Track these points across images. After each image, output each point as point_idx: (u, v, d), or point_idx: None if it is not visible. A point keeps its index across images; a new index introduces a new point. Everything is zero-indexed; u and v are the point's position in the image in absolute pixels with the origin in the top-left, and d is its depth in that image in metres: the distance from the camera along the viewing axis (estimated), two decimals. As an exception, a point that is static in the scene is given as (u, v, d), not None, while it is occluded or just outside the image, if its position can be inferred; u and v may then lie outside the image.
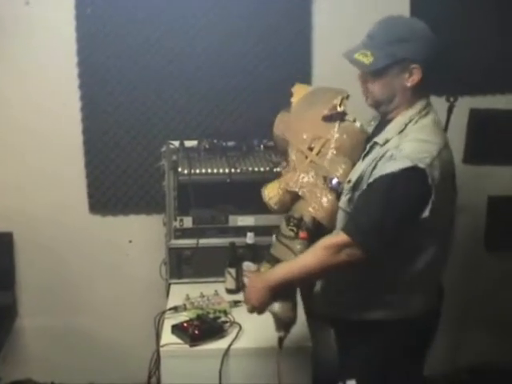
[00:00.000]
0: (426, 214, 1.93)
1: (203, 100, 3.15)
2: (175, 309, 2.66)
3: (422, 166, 1.90)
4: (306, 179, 2.19)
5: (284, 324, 2.20)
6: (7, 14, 3.04)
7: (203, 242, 2.92)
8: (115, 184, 3.22)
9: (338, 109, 2.23)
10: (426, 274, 2.08)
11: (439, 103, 2.93)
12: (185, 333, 2.47)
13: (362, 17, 3.08)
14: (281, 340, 2.24)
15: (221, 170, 2.88)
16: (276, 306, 2.15)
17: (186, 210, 2.92)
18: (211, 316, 2.59)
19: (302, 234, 2.14)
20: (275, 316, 2.19)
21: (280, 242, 2.22)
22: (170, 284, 2.95)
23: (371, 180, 1.97)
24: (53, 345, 3.40)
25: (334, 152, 2.17)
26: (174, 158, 2.92)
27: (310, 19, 3.13)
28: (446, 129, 2.84)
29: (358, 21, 3.06)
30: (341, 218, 2.10)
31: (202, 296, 2.76)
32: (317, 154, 2.19)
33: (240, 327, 2.52)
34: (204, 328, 2.48)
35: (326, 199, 2.13)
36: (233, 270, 2.83)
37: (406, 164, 1.90)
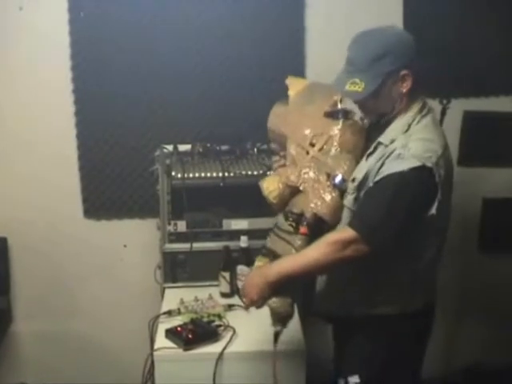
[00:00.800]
0: (433, 211, 1.97)
1: (197, 104, 3.15)
2: (169, 313, 2.66)
3: (429, 165, 1.94)
4: (308, 174, 2.19)
5: (281, 318, 2.20)
6: (0, 19, 3.04)
7: (197, 245, 2.92)
8: (109, 188, 3.21)
9: (339, 105, 2.23)
10: (427, 271, 2.12)
11: (433, 105, 2.92)
12: (178, 337, 2.47)
13: (355, 19, 3.12)
14: (277, 334, 2.24)
15: (214, 174, 2.89)
16: (275, 301, 2.15)
17: (180, 213, 2.92)
18: (205, 320, 2.60)
19: (303, 230, 2.14)
20: (273, 310, 2.17)
21: (278, 236, 2.21)
22: (164, 288, 2.95)
23: (378, 178, 1.99)
24: (47, 349, 3.39)
25: (338, 149, 2.17)
26: (168, 162, 2.93)
27: (303, 22, 3.13)
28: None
29: (351, 23, 3.08)
30: (346, 216, 2.10)
31: (197, 300, 2.76)
32: (319, 150, 2.19)
33: (234, 331, 2.52)
34: (198, 332, 2.48)
35: (329, 196, 2.12)
36: (227, 274, 2.83)
37: (415, 163, 1.93)
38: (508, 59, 3.21)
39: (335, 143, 2.18)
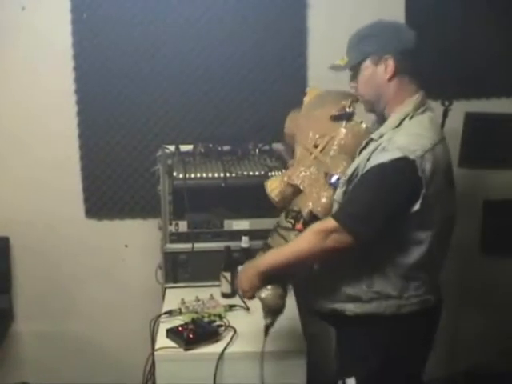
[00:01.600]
0: (417, 207, 1.95)
1: (198, 104, 3.16)
2: (170, 313, 2.67)
3: (412, 157, 1.93)
4: (307, 173, 2.24)
5: (272, 311, 2.23)
6: (3, 20, 3.06)
7: (198, 246, 2.92)
8: (111, 188, 3.22)
9: (347, 109, 2.27)
10: (419, 268, 2.09)
11: (434, 107, 2.93)
12: (179, 337, 2.47)
13: (357, 20, 3.09)
14: (267, 328, 2.27)
15: (216, 175, 2.89)
16: (265, 292, 2.19)
17: (182, 214, 2.92)
18: (206, 320, 2.59)
19: (298, 226, 2.19)
20: (263, 302, 2.21)
21: (278, 233, 2.27)
22: (165, 288, 2.95)
23: (364, 171, 2.02)
24: (48, 349, 3.40)
25: (337, 149, 2.22)
26: (169, 162, 2.93)
27: (305, 23, 3.14)
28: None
29: (353, 24, 3.08)
30: (335, 209, 2.12)
31: (198, 300, 2.76)
32: (321, 151, 2.24)
33: (235, 331, 2.52)
34: (199, 332, 2.48)
35: (324, 194, 2.18)
36: (228, 274, 2.83)
37: (396, 155, 1.93)
38: (510, 61, 3.21)
39: (335, 144, 2.23)
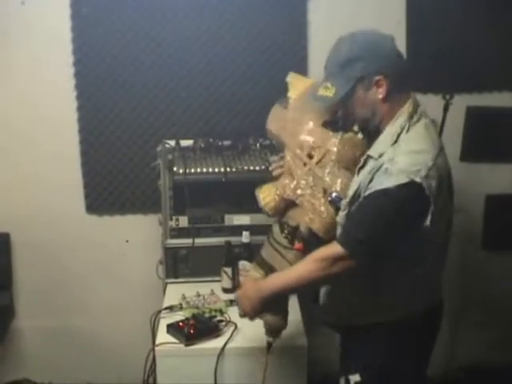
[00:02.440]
0: (427, 223, 1.91)
1: (199, 99, 3.15)
2: (171, 308, 2.67)
3: (418, 180, 1.87)
4: (304, 189, 2.14)
5: (274, 331, 2.24)
6: (3, 14, 3.04)
7: (199, 241, 2.92)
8: (111, 184, 3.22)
9: (340, 113, 2.16)
10: (428, 275, 2.08)
11: (435, 101, 2.94)
12: (180, 332, 2.47)
13: (358, 13, 3.12)
14: (270, 345, 2.27)
15: (216, 169, 2.89)
16: (267, 315, 2.19)
17: (182, 209, 2.92)
18: (207, 315, 2.60)
19: (298, 246, 2.14)
20: (266, 323, 2.22)
21: (272, 247, 2.22)
22: (166, 283, 2.95)
23: (367, 193, 1.95)
24: (50, 345, 3.40)
25: (335, 164, 2.11)
26: (170, 157, 2.93)
27: (305, 16, 3.13)
28: (442, 127, 2.83)
29: (354, 16, 3.10)
30: (339, 232, 2.06)
31: (198, 295, 2.76)
32: (317, 163, 2.13)
33: (235, 326, 2.52)
34: (199, 327, 2.48)
35: (324, 212, 2.09)
36: (229, 269, 2.83)
37: (402, 180, 1.87)
38: (511, 54, 3.19)
39: (333, 158, 2.11)
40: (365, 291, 2.08)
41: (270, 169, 2.33)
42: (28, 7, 3.05)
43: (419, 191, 1.88)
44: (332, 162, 2.11)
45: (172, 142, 2.97)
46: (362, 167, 2.04)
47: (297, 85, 2.33)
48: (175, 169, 2.88)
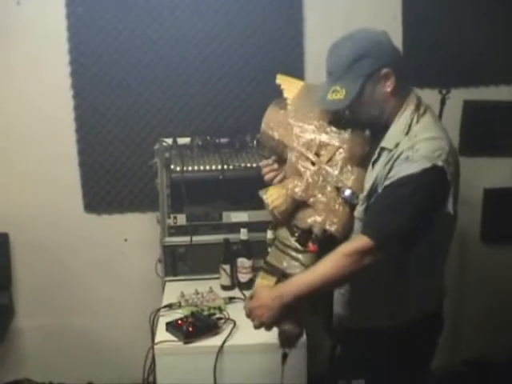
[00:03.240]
0: (449, 209, 1.91)
1: (196, 97, 3.14)
2: (170, 306, 2.67)
3: (440, 164, 1.87)
4: (315, 188, 2.08)
5: (292, 340, 2.11)
6: (-2, 14, 3.04)
7: (197, 239, 2.92)
8: (109, 183, 3.22)
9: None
10: (441, 272, 2.10)
11: (432, 95, 2.93)
12: (179, 330, 2.47)
13: (354, 9, 3.11)
14: (285, 356, 2.17)
15: (214, 167, 2.89)
16: (286, 323, 2.04)
17: (180, 207, 2.92)
18: (206, 313, 2.60)
19: (313, 248, 2.03)
20: (284, 333, 2.08)
21: (282, 252, 2.11)
22: (165, 281, 2.95)
23: (388, 182, 1.93)
24: (50, 344, 3.40)
25: (346, 161, 2.07)
26: (167, 155, 2.93)
27: (301, 12, 3.12)
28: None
29: (350, 13, 3.09)
30: (357, 227, 2.03)
31: (197, 293, 2.76)
32: (327, 162, 2.09)
33: (234, 324, 2.52)
34: (198, 325, 2.48)
35: (339, 211, 2.04)
36: (227, 267, 2.83)
37: (426, 164, 1.87)
38: (508, 48, 3.19)
39: (343, 155, 2.07)
40: (386, 294, 2.05)
41: (262, 173, 2.27)
42: (23, 7, 3.04)
43: (441, 175, 1.89)
44: (343, 159, 2.08)
45: (169, 140, 2.98)
46: (376, 160, 2.03)
47: (289, 87, 2.29)
48: (172, 167, 2.88)
